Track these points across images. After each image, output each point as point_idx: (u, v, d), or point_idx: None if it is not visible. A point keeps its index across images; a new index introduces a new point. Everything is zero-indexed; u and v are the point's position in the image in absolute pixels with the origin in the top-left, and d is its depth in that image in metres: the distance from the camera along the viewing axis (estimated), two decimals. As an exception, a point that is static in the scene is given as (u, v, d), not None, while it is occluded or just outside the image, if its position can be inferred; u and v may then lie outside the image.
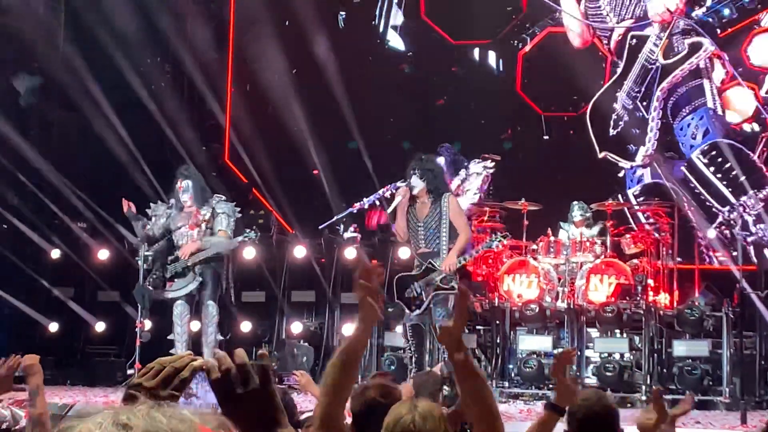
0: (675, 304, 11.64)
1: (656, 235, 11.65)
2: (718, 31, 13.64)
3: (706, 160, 13.47)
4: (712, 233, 12.84)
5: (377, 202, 10.58)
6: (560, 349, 4.32)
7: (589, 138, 13.94)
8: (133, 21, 13.46)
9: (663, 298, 11.60)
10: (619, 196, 13.03)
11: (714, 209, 13.18)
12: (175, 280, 10.41)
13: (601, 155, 13.88)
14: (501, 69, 14.55)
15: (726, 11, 13.62)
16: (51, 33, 13.73)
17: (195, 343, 10.42)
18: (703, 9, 13.66)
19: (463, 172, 13.47)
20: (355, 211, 10.85)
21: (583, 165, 13.86)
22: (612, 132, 13.91)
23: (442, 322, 9.29)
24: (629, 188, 13.78)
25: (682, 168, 13.58)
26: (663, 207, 12.17)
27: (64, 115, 14.15)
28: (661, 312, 11.05)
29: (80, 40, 13.58)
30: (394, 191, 10.29)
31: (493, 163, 13.40)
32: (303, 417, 5.46)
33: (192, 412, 1.65)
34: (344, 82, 13.61)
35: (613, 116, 13.89)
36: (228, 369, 2.05)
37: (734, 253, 12.68)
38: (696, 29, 13.60)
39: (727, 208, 13.08)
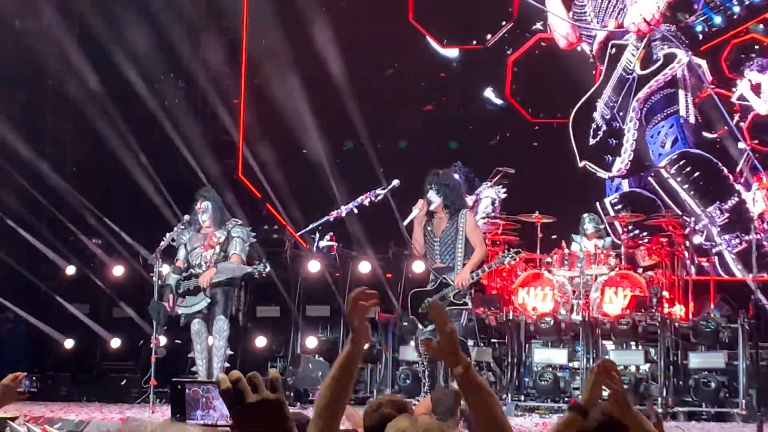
0: (690, 315, 11.60)
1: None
2: (701, 37, 13.65)
3: (673, 171, 13.48)
4: (698, 238, 12.84)
5: (355, 210, 10.64)
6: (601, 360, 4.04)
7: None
8: (147, 37, 13.52)
9: (678, 310, 11.57)
10: (597, 204, 13.11)
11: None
12: (186, 297, 10.43)
13: (581, 164, 13.90)
14: (491, 74, 14.58)
15: (717, 19, 13.63)
16: (64, 50, 13.80)
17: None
18: (694, 16, 13.66)
19: (473, 197, 13.35)
20: (332, 219, 10.89)
21: (568, 174, 13.91)
22: (591, 141, 13.94)
23: (425, 338, 9.36)
24: (607, 196, 13.81)
25: (650, 178, 13.62)
26: (677, 219, 12.14)
27: (79, 132, 14.21)
28: (677, 324, 11.01)
29: (94, 57, 13.64)
30: (373, 198, 10.34)
31: (504, 189, 13.29)
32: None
33: (201, 430, 1.66)
34: (355, 91, 13.60)
35: (593, 125, 13.91)
36: (238, 379, 2.06)
37: (715, 250, 12.79)
38: (672, 40, 13.58)
39: (693, 219, 13.06)
